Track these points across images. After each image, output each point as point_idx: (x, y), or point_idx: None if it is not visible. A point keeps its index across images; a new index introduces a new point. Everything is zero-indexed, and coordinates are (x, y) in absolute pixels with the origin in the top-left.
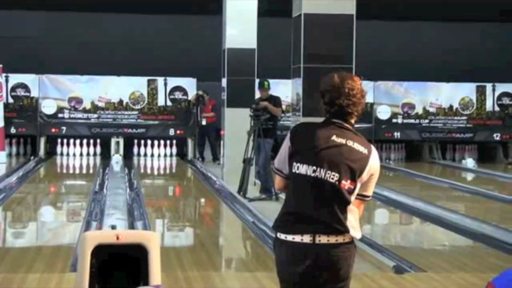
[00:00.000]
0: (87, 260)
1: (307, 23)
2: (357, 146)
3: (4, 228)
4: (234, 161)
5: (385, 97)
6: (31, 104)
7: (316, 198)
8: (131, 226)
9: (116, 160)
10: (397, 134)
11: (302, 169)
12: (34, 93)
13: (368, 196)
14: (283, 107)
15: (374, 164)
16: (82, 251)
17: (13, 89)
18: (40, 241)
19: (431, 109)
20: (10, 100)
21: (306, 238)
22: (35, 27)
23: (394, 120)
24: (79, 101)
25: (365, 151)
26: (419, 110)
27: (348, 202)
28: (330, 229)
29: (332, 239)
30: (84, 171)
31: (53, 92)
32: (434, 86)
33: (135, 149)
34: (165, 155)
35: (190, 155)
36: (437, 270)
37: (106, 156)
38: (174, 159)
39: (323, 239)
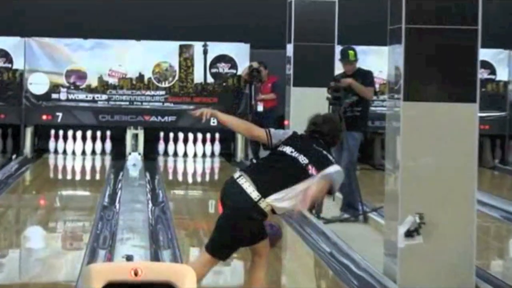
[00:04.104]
0: None
1: None
2: None
3: None
4: None
5: None
6: (14, 80)
7: None
8: (155, 256)
9: (134, 161)
10: None
11: None
12: (18, 64)
13: None
14: (376, 86)
15: None
16: None
17: None
18: (26, 276)
19: None
20: None
21: None
22: None
23: None
24: (82, 75)
25: None
26: None
27: None
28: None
29: None
30: (88, 176)
31: (44, 62)
32: None
33: (161, 146)
34: (204, 155)
35: (239, 155)
36: None
37: (119, 155)
38: (217, 160)
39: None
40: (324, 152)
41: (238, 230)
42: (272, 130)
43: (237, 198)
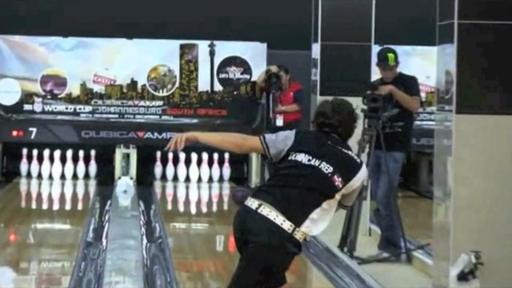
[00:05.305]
0: None
1: None
2: None
3: None
4: None
5: None
6: None
7: None
8: None
9: (124, 187)
10: None
11: None
12: None
13: None
14: (422, 95)
15: None
16: None
17: None
18: None
19: None
20: None
21: None
22: None
23: None
24: (60, 82)
25: None
26: None
27: None
28: None
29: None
30: (68, 206)
31: (15, 66)
32: None
33: (158, 169)
34: (211, 180)
35: (254, 179)
36: None
37: (106, 179)
38: (226, 186)
39: None
40: (345, 150)
41: (271, 269)
42: (267, 137)
43: (266, 233)
